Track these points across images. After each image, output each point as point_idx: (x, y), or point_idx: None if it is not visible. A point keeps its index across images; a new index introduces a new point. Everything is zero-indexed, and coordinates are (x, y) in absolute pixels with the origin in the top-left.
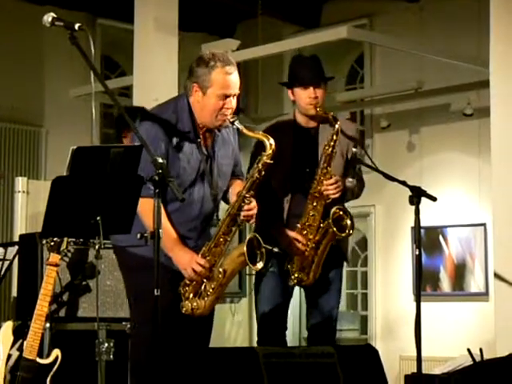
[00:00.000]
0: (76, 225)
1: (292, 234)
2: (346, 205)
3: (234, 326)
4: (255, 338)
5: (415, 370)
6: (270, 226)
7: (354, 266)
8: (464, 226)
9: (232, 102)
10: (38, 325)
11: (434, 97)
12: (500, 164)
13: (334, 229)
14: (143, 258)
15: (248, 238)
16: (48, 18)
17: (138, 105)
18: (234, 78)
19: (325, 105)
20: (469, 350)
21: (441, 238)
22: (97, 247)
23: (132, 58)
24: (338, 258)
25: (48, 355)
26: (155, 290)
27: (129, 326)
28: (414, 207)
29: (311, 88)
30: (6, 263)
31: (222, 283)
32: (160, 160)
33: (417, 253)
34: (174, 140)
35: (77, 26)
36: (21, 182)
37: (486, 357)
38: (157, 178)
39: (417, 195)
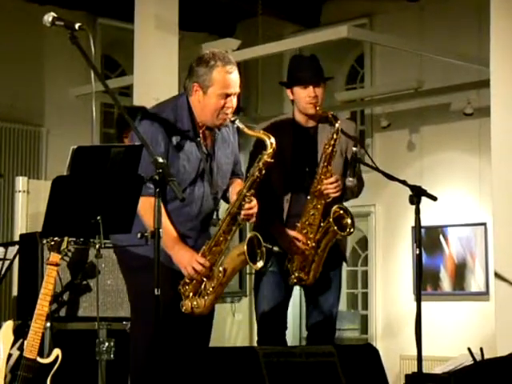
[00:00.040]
0: (76, 224)
1: (292, 233)
2: (346, 204)
3: (235, 326)
4: (255, 338)
5: (416, 370)
6: (270, 225)
7: (354, 266)
8: (464, 226)
9: (233, 101)
10: (38, 324)
11: (434, 96)
12: (500, 163)
13: (335, 227)
14: (143, 258)
15: (248, 236)
16: (48, 17)
17: (138, 104)
18: (235, 77)
19: (324, 104)
20: (469, 350)
21: (441, 237)
22: (97, 247)
23: (132, 58)
24: (337, 257)
25: (48, 355)
26: (155, 290)
27: (129, 325)
28: (414, 207)
29: (311, 87)
30: (7, 263)
31: (222, 282)
32: (160, 160)
33: (417, 252)
34: (174, 139)
35: (77, 25)
36: (21, 182)
37: (486, 356)
38: (157, 178)
39: (417, 195)
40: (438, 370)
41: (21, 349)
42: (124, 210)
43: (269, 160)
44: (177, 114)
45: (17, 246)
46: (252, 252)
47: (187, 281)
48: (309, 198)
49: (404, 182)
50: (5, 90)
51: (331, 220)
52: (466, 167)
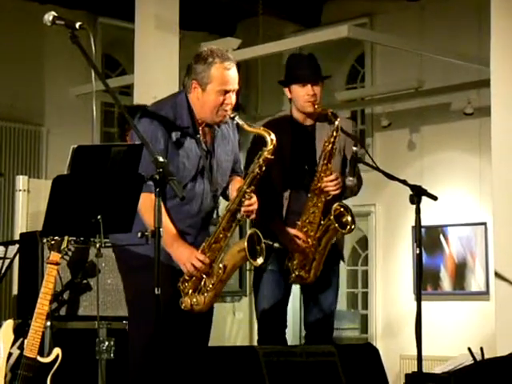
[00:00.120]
0: (77, 223)
1: (292, 231)
2: (346, 203)
3: (235, 325)
4: (256, 337)
5: (416, 369)
6: (270, 222)
7: (354, 265)
8: (465, 225)
9: (232, 98)
10: (38, 323)
11: (434, 96)
12: (500, 163)
13: (336, 225)
14: (143, 257)
15: (248, 233)
16: (49, 16)
17: (139, 103)
18: (233, 74)
19: (324, 103)
20: (469, 349)
21: (441, 237)
22: (97, 246)
23: (133, 57)
24: (335, 255)
25: (49, 354)
26: (156, 289)
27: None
28: (414, 206)
29: (309, 86)
30: (7, 262)
31: (222, 279)
32: (161, 159)
33: (417, 252)
34: (173, 136)
35: (77, 24)
36: (21, 181)
37: (486, 356)
38: (157, 177)
39: (417, 194)
40: (438, 369)
41: (21, 348)
42: (124, 210)
43: (269, 156)
44: (176, 111)
45: (17, 245)
46: (252, 248)
47: (187, 278)
48: (309, 195)
49: (404, 182)
50: (5, 89)
51: (332, 218)
52: (466, 167)
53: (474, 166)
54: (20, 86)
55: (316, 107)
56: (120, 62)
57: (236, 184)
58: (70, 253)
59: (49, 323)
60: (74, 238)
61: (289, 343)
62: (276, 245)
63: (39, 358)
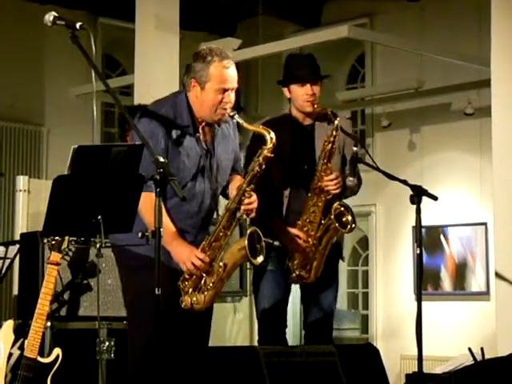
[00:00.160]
0: (77, 224)
1: (293, 230)
2: (346, 202)
3: (235, 325)
4: (256, 337)
5: (416, 369)
6: (270, 221)
7: (355, 265)
8: (465, 226)
9: (230, 96)
10: (38, 324)
11: (434, 96)
12: (501, 163)
13: (337, 224)
14: (144, 258)
15: (249, 231)
16: (49, 17)
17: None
18: (232, 72)
19: (325, 103)
20: (470, 350)
21: (442, 237)
22: (98, 246)
23: (133, 57)
24: (334, 255)
25: (49, 354)
26: (156, 289)
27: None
28: (414, 206)
29: (308, 85)
30: (7, 262)
31: (222, 277)
32: (161, 159)
33: (418, 252)
34: (174, 135)
35: (78, 24)
36: (22, 181)
37: (487, 356)
38: (158, 178)
39: (418, 194)
40: (439, 369)
41: (21, 348)
42: (125, 210)
43: (269, 155)
44: (176, 110)
45: (17, 245)
46: (252, 247)
47: (187, 276)
48: (309, 195)
49: (405, 182)
50: (5, 89)
51: (332, 217)
52: (466, 167)
53: (474, 166)
54: (20, 86)
55: (315, 107)
56: (120, 62)
57: (236, 183)
58: (70, 253)
59: (49, 323)
60: (75, 239)
61: (289, 343)
62: (276, 243)
63: (39, 359)
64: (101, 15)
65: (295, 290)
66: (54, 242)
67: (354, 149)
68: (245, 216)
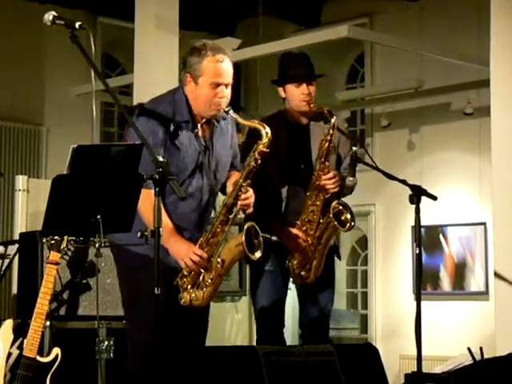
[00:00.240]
0: (76, 223)
1: (292, 230)
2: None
3: (234, 325)
4: (255, 337)
5: (415, 369)
6: (267, 217)
7: (354, 265)
8: (464, 225)
9: (225, 91)
10: (38, 323)
11: (434, 96)
12: (500, 163)
13: (336, 223)
14: (143, 257)
15: (246, 227)
16: (49, 16)
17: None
18: (226, 66)
19: (325, 103)
20: (469, 349)
21: (441, 237)
22: (97, 246)
23: (132, 57)
24: (331, 254)
25: (48, 353)
26: (155, 289)
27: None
28: (414, 206)
29: (304, 85)
30: (7, 261)
31: (220, 273)
32: (160, 158)
33: (417, 252)
34: (172, 131)
35: (77, 24)
36: (21, 181)
37: (486, 356)
38: (157, 177)
39: (417, 194)
40: (438, 369)
41: (20, 348)
42: (124, 209)
43: (264, 149)
44: (175, 106)
45: (17, 245)
46: (250, 242)
47: (185, 273)
48: (308, 194)
49: (404, 182)
50: (5, 89)
51: (331, 216)
52: (466, 167)
53: (473, 165)
54: (20, 86)
55: (311, 106)
56: (120, 61)
57: (233, 179)
58: (69, 252)
59: (48, 323)
60: (74, 238)
61: (288, 343)
62: (274, 238)
63: (39, 358)
64: (100, 15)
65: (293, 289)
66: (53, 242)
67: (354, 148)
68: (241, 212)
